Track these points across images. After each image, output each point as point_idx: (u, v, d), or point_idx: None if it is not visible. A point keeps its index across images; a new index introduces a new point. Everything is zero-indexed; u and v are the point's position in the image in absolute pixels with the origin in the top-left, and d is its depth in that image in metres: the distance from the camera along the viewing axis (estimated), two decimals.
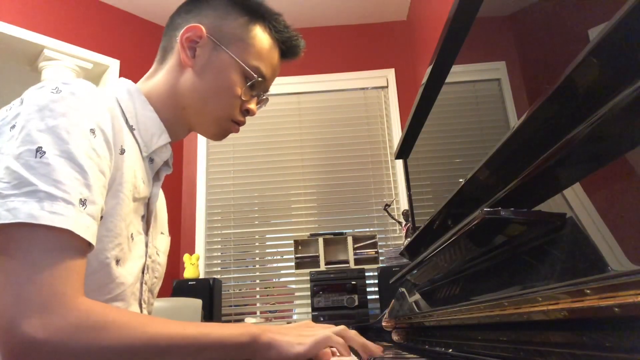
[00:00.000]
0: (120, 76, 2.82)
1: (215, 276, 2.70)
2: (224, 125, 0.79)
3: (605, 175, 0.39)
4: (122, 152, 0.65)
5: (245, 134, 3.02)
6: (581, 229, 0.39)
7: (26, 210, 0.49)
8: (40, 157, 0.52)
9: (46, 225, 0.49)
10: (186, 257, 2.61)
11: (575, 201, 0.42)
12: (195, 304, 2.24)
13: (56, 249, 0.50)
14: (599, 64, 0.39)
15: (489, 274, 0.58)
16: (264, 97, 0.83)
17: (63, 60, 2.63)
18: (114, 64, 2.81)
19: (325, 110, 3.11)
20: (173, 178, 2.96)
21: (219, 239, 2.91)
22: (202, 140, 3.04)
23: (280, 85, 3.10)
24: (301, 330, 0.63)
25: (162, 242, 0.83)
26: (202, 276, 2.69)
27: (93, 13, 2.82)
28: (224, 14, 0.77)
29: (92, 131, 0.58)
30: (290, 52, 0.83)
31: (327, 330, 0.64)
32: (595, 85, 0.41)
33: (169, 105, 0.76)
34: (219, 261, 2.88)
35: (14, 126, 0.55)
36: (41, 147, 0.52)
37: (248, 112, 0.80)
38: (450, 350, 0.64)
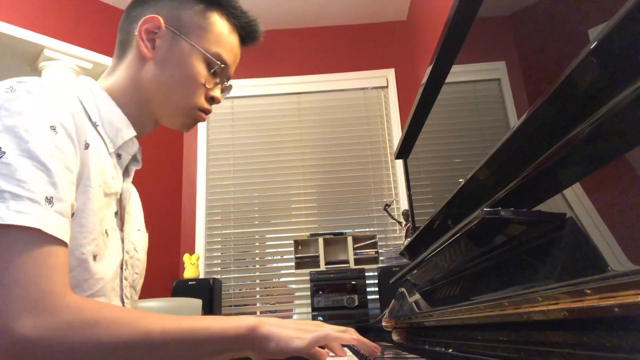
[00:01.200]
0: None
1: (215, 276, 2.70)
2: (191, 115, 0.78)
3: (605, 175, 0.39)
4: (87, 146, 0.64)
5: (245, 134, 3.03)
6: (581, 229, 0.39)
7: None
8: (1, 158, 0.51)
9: (15, 225, 0.49)
10: (186, 257, 2.61)
11: (575, 201, 0.42)
12: (195, 304, 2.24)
13: (33, 247, 0.50)
14: (599, 64, 0.39)
15: (489, 274, 0.58)
16: (228, 85, 0.83)
17: (63, 60, 2.63)
18: None
19: (325, 110, 3.11)
20: (173, 178, 2.96)
21: (219, 239, 2.91)
22: (202, 141, 3.04)
23: (280, 85, 3.10)
24: (300, 324, 0.62)
25: (139, 238, 0.82)
26: (202, 276, 2.69)
27: (93, 13, 2.82)
28: (179, 4, 0.77)
29: (53, 128, 0.57)
30: (250, 37, 0.83)
31: (327, 327, 0.63)
32: (595, 85, 0.41)
33: (132, 100, 0.75)
34: (219, 261, 2.88)
35: None
36: (0, 148, 0.52)
37: (214, 100, 0.80)
38: (450, 350, 0.64)
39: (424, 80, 1.09)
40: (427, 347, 0.78)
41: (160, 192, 2.79)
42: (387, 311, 1.27)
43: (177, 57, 0.75)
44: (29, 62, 2.69)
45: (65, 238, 0.54)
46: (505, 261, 0.54)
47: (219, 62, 0.76)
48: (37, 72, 2.66)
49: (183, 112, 0.78)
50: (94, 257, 0.64)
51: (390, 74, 3.12)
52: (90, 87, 0.73)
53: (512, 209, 0.47)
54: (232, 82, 0.84)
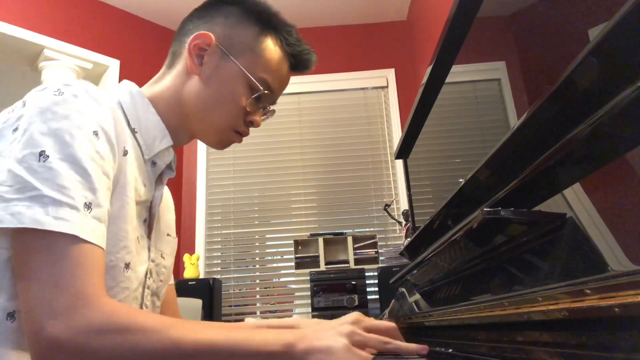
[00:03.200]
0: (120, 76, 2.83)
1: (215, 276, 2.70)
2: (226, 135, 0.77)
3: (605, 175, 0.39)
4: (125, 153, 0.64)
5: None
6: (581, 229, 0.39)
7: (31, 215, 0.49)
8: (44, 161, 0.52)
9: (53, 231, 0.50)
10: (186, 257, 2.61)
11: (575, 201, 0.42)
12: (195, 304, 2.24)
13: (71, 252, 0.51)
14: (599, 64, 0.39)
15: (489, 273, 0.58)
16: (270, 110, 0.82)
17: (63, 60, 2.63)
18: (114, 64, 2.81)
19: (325, 110, 3.11)
20: (173, 178, 2.96)
21: (219, 239, 2.91)
22: None
23: None
24: (336, 326, 0.59)
25: (168, 244, 0.82)
26: (202, 276, 2.69)
27: (93, 13, 2.82)
28: (235, 23, 0.75)
29: (95, 133, 0.58)
30: (301, 66, 0.82)
31: (365, 320, 0.61)
32: (595, 85, 0.41)
33: (173, 111, 0.75)
34: (219, 261, 2.88)
35: (16, 129, 0.55)
36: (44, 151, 0.52)
37: (252, 124, 0.78)
38: (450, 350, 0.64)
39: (424, 80, 1.09)
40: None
41: None
42: (387, 311, 1.27)
43: (222, 76, 0.74)
44: (29, 62, 2.69)
45: (102, 243, 0.55)
46: (505, 261, 0.54)
47: (263, 89, 0.75)
48: (37, 72, 2.66)
49: (219, 132, 0.77)
50: (127, 265, 0.64)
51: (390, 74, 3.12)
52: (132, 92, 0.73)
53: (512, 209, 0.47)
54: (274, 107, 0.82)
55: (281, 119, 3.08)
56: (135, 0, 2.91)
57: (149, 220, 0.74)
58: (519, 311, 0.41)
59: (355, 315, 0.63)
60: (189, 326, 0.54)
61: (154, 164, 0.73)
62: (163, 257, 0.79)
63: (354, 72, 3.13)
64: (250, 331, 0.56)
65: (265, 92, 0.75)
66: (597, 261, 0.35)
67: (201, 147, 3.05)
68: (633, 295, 0.27)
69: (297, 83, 3.11)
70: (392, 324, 0.67)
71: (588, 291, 0.31)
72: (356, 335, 0.58)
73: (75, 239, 0.51)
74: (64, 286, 0.49)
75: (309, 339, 0.56)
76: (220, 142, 0.79)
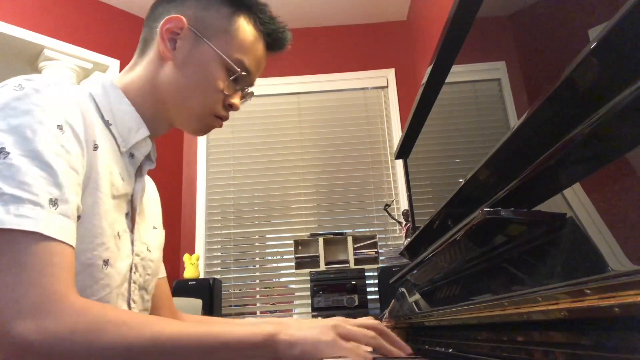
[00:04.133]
0: None
1: (215, 276, 2.70)
2: (206, 121, 0.75)
3: (605, 175, 0.39)
4: (95, 148, 0.62)
5: (245, 134, 3.03)
6: (581, 229, 0.39)
7: None
8: (4, 159, 0.50)
9: (16, 229, 0.48)
10: (186, 257, 2.61)
11: (575, 201, 0.42)
12: (195, 304, 2.24)
13: (37, 250, 0.49)
14: (599, 64, 0.39)
15: (489, 273, 0.58)
16: (249, 92, 0.79)
17: (63, 60, 2.63)
18: (114, 64, 2.81)
19: (325, 110, 3.11)
20: (173, 178, 2.96)
21: (219, 239, 2.91)
22: (202, 141, 3.04)
23: (280, 85, 3.10)
24: (320, 323, 0.59)
25: (154, 237, 0.80)
26: (202, 276, 2.69)
27: (93, 13, 2.82)
28: (207, 4, 0.73)
29: (60, 127, 0.56)
30: (276, 45, 0.79)
31: (349, 322, 0.61)
32: (595, 85, 0.41)
33: (148, 100, 0.73)
34: (219, 261, 2.88)
35: None
36: (4, 148, 0.50)
37: (231, 107, 0.76)
38: (450, 350, 0.64)
39: (424, 80, 1.09)
40: (427, 347, 0.78)
41: (160, 192, 2.79)
42: (387, 311, 1.27)
43: (197, 60, 0.72)
44: (29, 62, 2.69)
45: (71, 240, 0.53)
46: (506, 261, 0.54)
47: (240, 70, 0.73)
48: (37, 72, 2.66)
49: (198, 118, 0.75)
50: (105, 262, 0.63)
51: (390, 74, 3.12)
52: (104, 84, 0.71)
53: (512, 209, 0.47)
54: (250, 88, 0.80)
55: (281, 119, 3.08)
56: (135, 0, 2.91)
57: (131, 214, 0.72)
58: (519, 311, 0.41)
59: (339, 317, 0.65)
60: (163, 322, 0.53)
61: (132, 155, 0.71)
62: (149, 250, 0.77)
63: (354, 72, 3.13)
64: (230, 325, 0.56)
65: (243, 73, 0.73)
66: (597, 261, 0.35)
67: (201, 147, 3.05)
68: (633, 295, 0.27)
69: (297, 83, 3.12)
70: (376, 322, 0.67)
71: (588, 291, 0.31)
72: (341, 328, 0.58)
73: (39, 237, 0.49)
74: (30, 285, 0.47)
75: (292, 331, 0.56)
76: (200, 129, 0.77)
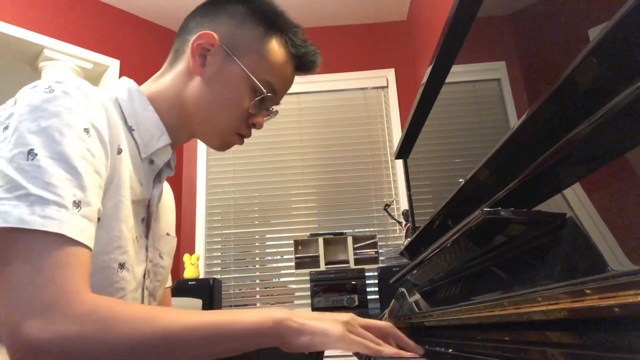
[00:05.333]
0: (120, 76, 2.83)
1: (215, 276, 2.70)
2: (228, 138, 0.76)
3: (605, 175, 0.39)
4: (119, 152, 0.63)
5: None
6: (581, 229, 0.39)
7: (16, 215, 0.48)
8: (32, 160, 0.51)
9: (39, 230, 0.49)
10: (186, 257, 2.61)
11: (575, 201, 0.42)
12: (195, 304, 2.24)
13: (55, 251, 0.49)
14: (599, 64, 0.39)
15: (489, 273, 0.58)
16: (274, 110, 0.80)
17: (63, 60, 2.63)
18: (114, 64, 2.81)
19: (325, 110, 3.11)
20: (173, 178, 2.96)
21: (219, 239, 2.91)
22: None
23: None
24: (329, 315, 0.59)
25: (166, 243, 0.81)
26: (202, 276, 2.69)
27: (93, 13, 2.82)
28: (240, 23, 0.73)
29: (86, 131, 0.56)
30: (305, 68, 0.80)
31: (358, 320, 0.61)
32: (595, 85, 0.41)
33: (173, 110, 0.73)
34: (219, 261, 2.88)
35: (7, 127, 0.54)
36: (33, 149, 0.51)
37: (254, 126, 0.77)
38: (450, 350, 0.64)
39: (424, 80, 1.09)
40: (427, 347, 0.78)
41: None
42: (387, 311, 1.27)
43: (225, 77, 0.72)
44: (29, 62, 2.69)
45: (90, 242, 0.54)
46: (505, 261, 0.54)
47: (266, 91, 0.73)
48: (37, 72, 2.66)
49: (221, 134, 0.75)
50: (121, 265, 0.63)
51: (390, 74, 3.12)
52: (131, 90, 0.71)
53: (512, 209, 0.47)
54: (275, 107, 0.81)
55: (281, 119, 3.07)
56: (135, 0, 2.91)
57: (147, 219, 0.73)
58: (519, 311, 0.41)
59: (350, 314, 0.63)
60: (175, 312, 0.53)
61: (151, 162, 0.72)
62: (161, 257, 0.77)
63: (354, 72, 3.13)
64: (237, 312, 0.56)
65: (269, 94, 0.74)
66: (597, 261, 0.35)
67: (201, 147, 3.05)
68: (633, 295, 0.27)
69: (297, 83, 3.06)
70: (387, 323, 0.67)
71: (588, 291, 0.31)
72: (352, 327, 0.58)
73: (61, 238, 0.50)
74: (43, 285, 0.47)
75: (302, 319, 0.56)
76: (221, 144, 0.78)
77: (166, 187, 0.86)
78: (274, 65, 0.74)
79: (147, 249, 0.72)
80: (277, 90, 0.76)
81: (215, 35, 0.71)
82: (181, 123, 0.75)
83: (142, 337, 0.49)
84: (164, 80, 0.75)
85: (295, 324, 0.55)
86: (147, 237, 0.73)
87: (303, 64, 0.79)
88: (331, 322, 0.57)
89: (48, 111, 0.54)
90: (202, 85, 0.72)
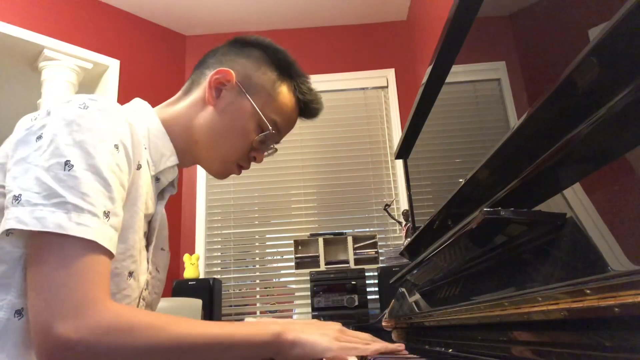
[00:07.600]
0: (120, 76, 2.83)
1: (215, 276, 2.70)
2: (229, 167, 0.82)
3: (605, 175, 0.39)
4: (139, 167, 0.68)
5: None
6: (581, 229, 0.39)
7: (54, 220, 0.52)
8: (69, 170, 0.55)
9: (75, 236, 0.52)
10: (186, 257, 2.61)
11: (575, 201, 0.42)
12: (195, 304, 2.24)
13: (85, 256, 0.53)
14: (599, 64, 0.39)
15: (489, 274, 0.58)
16: (274, 148, 0.87)
17: (63, 60, 2.62)
18: (114, 64, 2.81)
19: (325, 110, 3.07)
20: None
21: (219, 239, 2.91)
22: None
23: None
24: (323, 328, 0.66)
25: (162, 258, 0.85)
26: (202, 276, 2.69)
27: (93, 13, 2.82)
28: (256, 66, 0.81)
29: (116, 147, 0.61)
30: (308, 113, 0.88)
31: (348, 333, 0.67)
32: (595, 85, 0.41)
33: (182, 135, 0.79)
34: (219, 261, 2.88)
35: (40, 137, 0.57)
36: (69, 161, 0.55)
37: (254, 159, 0.84)
38: (450, 350, 0.64)
39: (424, 80, 1.09)
40: (427, 347, 0.79)
41: None
42: (387, 311, 1.27)
43: (236, 111, 0.79)
44: (29, 62, 2.69)
45: (115, 251, 0.58)
46: (506, 261, 0.54)
47: (271, 128, 0.80)
48: (37, 72, 2.66)
49: (223, 162, 0.82)
50: (130, 274, 0.67)
51: (390, 74, 3.12)
52: (144, 110, 0.78)
53: (512, 209, 0.47)
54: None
55: None
56: (135, 0, 2.91)
57: (148, 234, 0.77)
58: (519, 311, 0.41)
59: (338, 324, 0.70)
60: (185, 322, 0.58)
61: (157, 179, 0.76)
62: (158, 271, 0.82)
63: (354, 72, 3.13)
64: (238, 325, 0.61)
65: (273, 132, 0.81)
66: (597, 261, 0.35)
67: None
68: (633, 295, 0.27)
69: None
70: (369, 335, 0.73)
71: (588, 291, 0.31)
72: (340, 334, 0.66)
73: (92, 245, 0.54)
74: (74, 288, 0.51)
75: (296, 331, 0.63)
76: (221, 172, 0.84)
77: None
78: (282, 107, 0.82)
79: (148, 261, 0.76)
80: (281, 129, 0.83)
81: (233, 73, 0.79)
82: (188, 148, 0.80)
83: (158, 343, 0.54)
84: (178, 106, 0.81)
85: (289, 337, 0.62)
86: (147, 250, 0.76)
87: (307, 110, 0.87)
88: (320, 335, 0.64)
89: (83, 126, 0.58)
90: (214, 114, 0.79)
